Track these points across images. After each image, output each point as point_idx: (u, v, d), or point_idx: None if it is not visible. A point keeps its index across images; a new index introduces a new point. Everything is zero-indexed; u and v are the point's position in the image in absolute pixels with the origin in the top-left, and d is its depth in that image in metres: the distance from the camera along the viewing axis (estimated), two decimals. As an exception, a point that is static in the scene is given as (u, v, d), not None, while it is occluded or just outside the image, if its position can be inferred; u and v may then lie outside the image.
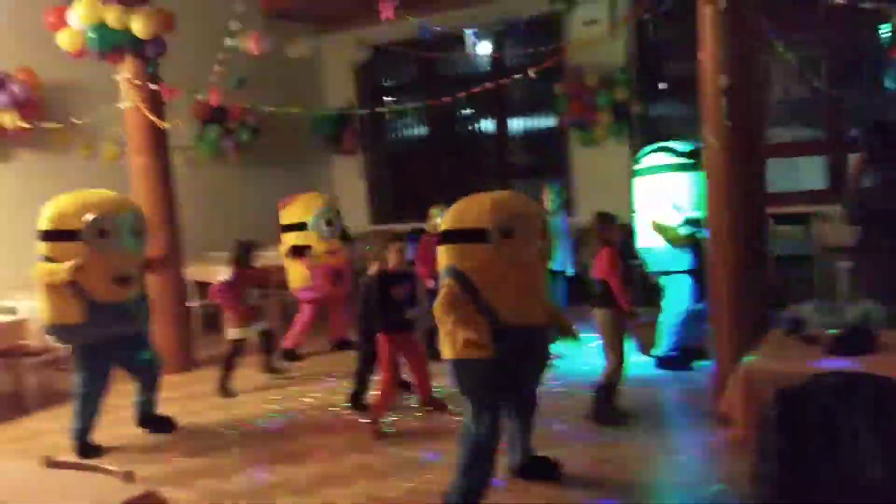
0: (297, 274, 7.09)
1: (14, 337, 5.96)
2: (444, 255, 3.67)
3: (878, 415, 2.52)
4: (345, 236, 7.26)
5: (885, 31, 7.61)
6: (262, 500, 4.15)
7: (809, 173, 8.91)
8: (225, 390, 6.12)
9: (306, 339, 7.23)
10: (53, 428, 5.57)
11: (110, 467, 2.59)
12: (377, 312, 5.02)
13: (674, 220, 5.73)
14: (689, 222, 5.69)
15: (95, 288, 4.75)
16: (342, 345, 7.25)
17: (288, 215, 7.17)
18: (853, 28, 7.81)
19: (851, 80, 8.17)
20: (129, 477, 2.54)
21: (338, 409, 5.60)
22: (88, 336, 4.84)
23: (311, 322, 7.13)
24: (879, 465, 2.44)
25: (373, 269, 5.24)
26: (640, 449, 4.46)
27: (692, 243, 5.67)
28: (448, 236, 3.67)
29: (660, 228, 5.78)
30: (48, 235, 4.81)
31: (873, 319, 3.81)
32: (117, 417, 5.52)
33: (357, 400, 5.55)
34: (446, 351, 3.66)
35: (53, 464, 2.75)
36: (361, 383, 5.54)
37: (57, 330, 4.92)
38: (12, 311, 6.64)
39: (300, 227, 7.01)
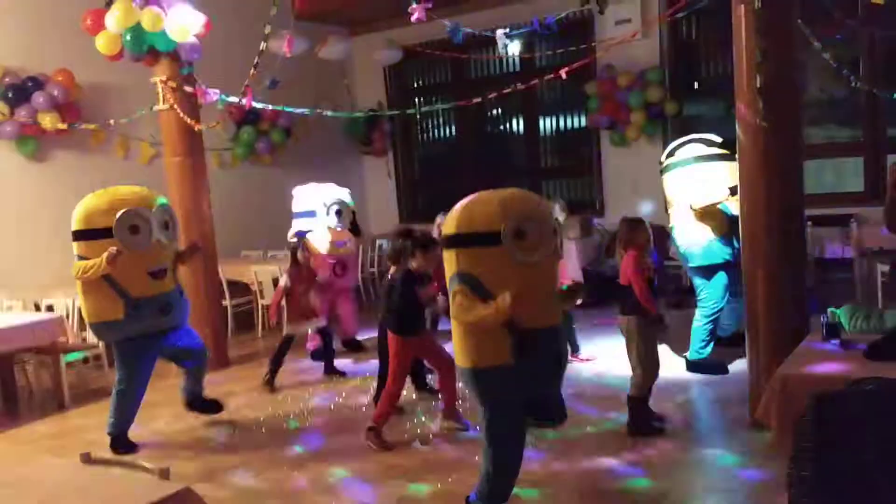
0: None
1: (53, 335, 6.07)
2: (453, 261, 3.52)
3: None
4: (354, 229, 7.27)
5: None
6: (294, 500, 4.19)
7: (848, 175, 8.77)
8: (270, 385, 6.20)
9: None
10: (90, 424, 5.67)
11: (147, 464, 2.63)
12: (401, 312, 4.84)
13: (720, 200, 5.55)
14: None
15: (132, 283, 4.83)
16: (351, 344, 7.26)
17: (299, 203, 7.23)
18: (892, 25, 7.66)
19: (891, 79, 8.02)
20: (164, 474, 2.58)
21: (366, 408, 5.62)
22: (130, 331, 4.91)
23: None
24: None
25: (394, 268, 5.10)
26: (675, 454, 4.42)
27: (733, 229, 5.46)
28: (457, 241, 3.53)
29: (704, 213, 5.60)
30: (81, 235, 4.89)
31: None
32: (153, 414, 5.62)
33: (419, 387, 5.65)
34: (463, 360, 3.55)
35: (91, 461, 2.79)
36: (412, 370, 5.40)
37: (99, 327, 5.02)
38: (50, 308, 6.79)
39: (309, 214, 7.10)
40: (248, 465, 4.70)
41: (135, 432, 5.18)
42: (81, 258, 4.86)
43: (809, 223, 5.98)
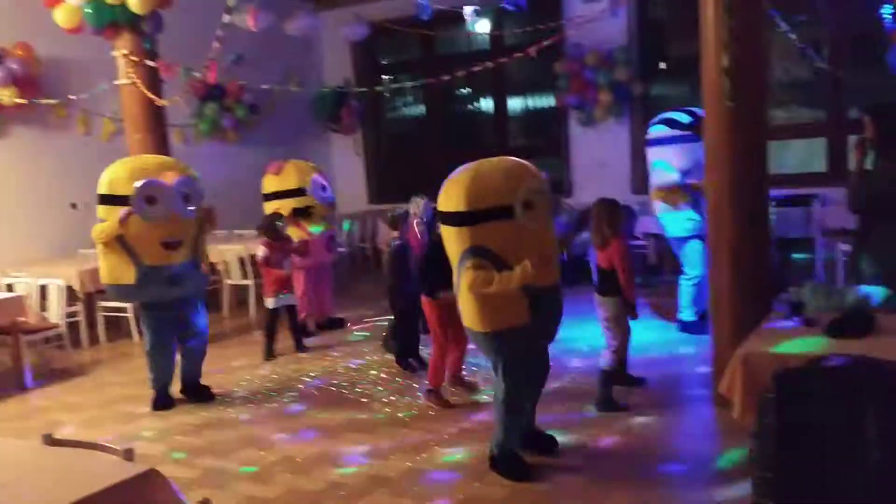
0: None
1: (12, 314, 5.94)
2: (463, 237, 3.70)
3: (877, 398, 2.52)
4: (332, 204, 7.26)
5: (888, 12, 7.56)
6: (263, 480, 4.18)
7: (811, 156, 8.90)
8: (269, 356, 6.40)
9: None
10: (52, 405, 5.59)
11: (111, 445, 2.59)
12: (432, 275, 4.90)
13: (670, 181, 5.96)
14: (686, 187, 5.87)
15: (145, 252, 5.03)
16: (331, 323, 7.25)
17: (284, 181, 7.00)
18: (856, 9, 7.76)
19: (854, 62, 8.13)
20: (128, 455, 2.54)
21: (338, 387, 5.61)
22: (141, 297, 5.21)
23: (306, 291, 7.00)
24: (878, 449, 2.45)
25: (394, 235, 5.57)
26: (644, 428, 4.48)
27: (693, 205, 5.84)
28: (468, 218, 3.67)
29: (659, 194, 6.02)
30: (103, 199, 5.09)
31: (872, 302, 3.81)
32: (126, 394, 5.54)
33: (406, 357, 5.79)
34: (482, 325, 3.77)
35: (53, 442, 2.75)
36: (407, 341, 5.80)
37: (111, 289, 5.33)
38: (10, 287, 6.65)
39: (299, 192, 6.92)
40: (218, 446, 4.67)
41: (105, 413, 5.10)
42: (102, 221, 5.06)
43: (773, 203, 6.10)
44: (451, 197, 3.74)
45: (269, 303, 6.39)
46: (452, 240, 3.79)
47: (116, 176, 5.06)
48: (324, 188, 7.07)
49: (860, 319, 3.51)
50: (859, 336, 3.38)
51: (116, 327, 7.44)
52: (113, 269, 5.11)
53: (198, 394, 5.50)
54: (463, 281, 3.75)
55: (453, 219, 3.75)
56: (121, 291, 5.28)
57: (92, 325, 7.30)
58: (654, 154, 6.20)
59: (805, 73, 8.67)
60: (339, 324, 7.30)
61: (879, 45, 7.27)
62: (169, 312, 5.23)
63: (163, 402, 5.34)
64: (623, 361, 5.02)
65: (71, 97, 7.34)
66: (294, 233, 6.71)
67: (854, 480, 2.45)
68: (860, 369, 2.70)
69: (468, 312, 3.85)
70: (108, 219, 5.00)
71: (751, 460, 2.77)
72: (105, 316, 7.34)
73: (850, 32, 8.26)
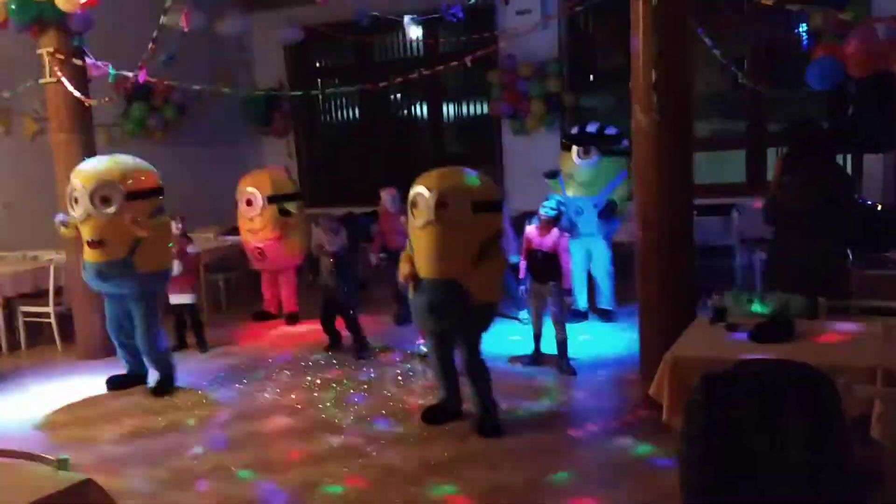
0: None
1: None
2: (493, 222, 4.57)
3: (798, 400, 2.67)
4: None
5: (805, 30, 7.96)
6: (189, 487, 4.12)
7: (731, 167, 9.26)
8: (200, 348, 6.68)
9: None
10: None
11: (45, 455, 2.53)
12: None
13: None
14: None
15: (83, 248, 5.48)
16: (292, 318, 7.48)
17: (283, 185, 7.48)
18: (776, 26, 8.13)
19: (773, 76, 8.51)
20: (63, 465, 2.49)
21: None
22: (87, 284, 5.66)
23: (265, 289, 7.66)
24: (799, 449, 2.59)
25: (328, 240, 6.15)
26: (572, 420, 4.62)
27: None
28: (493, 206, 4.58)
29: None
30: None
31: (791, 309, 4.02)
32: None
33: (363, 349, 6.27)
34: (495, 295, 4.60)
35: (-19, 453, 2.66)
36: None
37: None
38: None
39: (297, 196, 7.58)
40: (148, 454, 4.58)
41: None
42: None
43: (695, 212, 6.38)
44: (479, 187, 4.55)
45: (189, 298, 6.54)
46: (476, 227, 4.53)
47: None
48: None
49: (781, 325, 3.70)
50: (780, 341, 3.57)
51: (38, 333, 7.20)
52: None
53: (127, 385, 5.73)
54: None
55: (486, 207, 4.57)
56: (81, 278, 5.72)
57: (11, 330, 7.04)
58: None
59: (726, 86, 9.02)
60: (297, 319, 7.50)
61: (797, 61, 7.64)
62: (111, 303, 5.59)
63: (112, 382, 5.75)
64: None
65: (-9, 94, 7.06)
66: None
67: (778, 480, 2.58)
68: (781, 372, 2.85)
69: (484, 282, 4.53)
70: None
71: (679, 461, 2.88)
72: (26, 322, 7.09)
73: (770, 48, 8.66)
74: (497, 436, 4.53)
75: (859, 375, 3.14)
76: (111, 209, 5.30)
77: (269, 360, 6.34)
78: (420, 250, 4.48)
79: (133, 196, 5.36)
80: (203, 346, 6.70)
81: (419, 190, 4.43)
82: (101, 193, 5.28)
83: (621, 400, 5.09)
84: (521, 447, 4.40)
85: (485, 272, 4.43)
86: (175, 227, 6.19)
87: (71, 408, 5.47)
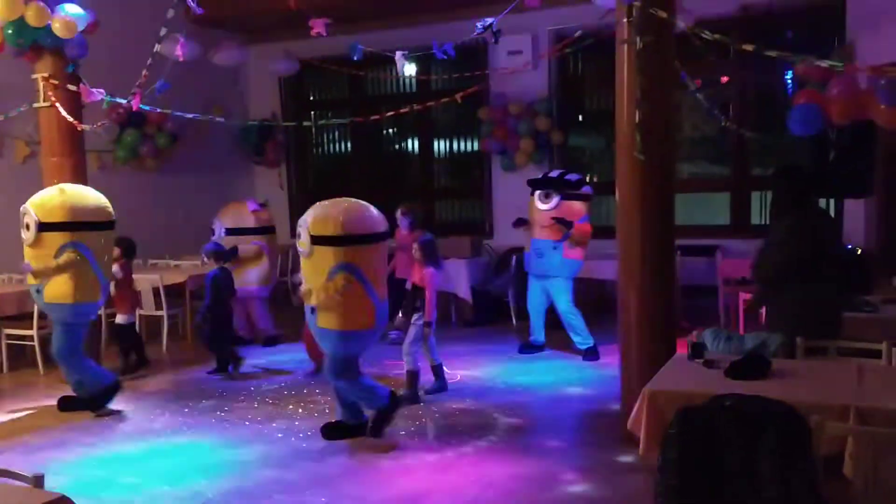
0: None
1: None
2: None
3: (772, 435, 2.71)
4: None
5: (789, 77, 8.15)
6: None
7: (715, 209, 9.39)
8: (138, 365, 6.91)
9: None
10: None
11: (20, 472, 2.53)
12: None
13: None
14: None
15: None
16: (271, 340, 7.84)
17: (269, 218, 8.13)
18: (761, 73, 8.32)
19: (758, 121, 8.68)
20: (38, 482, 2.49)
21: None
22: None
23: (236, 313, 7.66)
24: (772, 483, 2.63)
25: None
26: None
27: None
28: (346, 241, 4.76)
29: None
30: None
31: (769, 348, 4.08)
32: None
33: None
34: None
35: (-44, 469, 2.66)
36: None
37: None
38: None
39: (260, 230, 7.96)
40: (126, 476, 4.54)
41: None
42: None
43: (679, 252, 6.46)
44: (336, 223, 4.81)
45: (122, 319, 6.83)
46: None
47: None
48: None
49: (757, 363, 3.75)
50: (756, 378, 3.62)
51: (21, 355, 7.16)
52: None
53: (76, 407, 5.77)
54: None
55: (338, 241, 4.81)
56: None
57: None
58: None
59: (712, 130, 9.20)
60: (278, 340, 7.85)
61: (782, 108, 7.81)
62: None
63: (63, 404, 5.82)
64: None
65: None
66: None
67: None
68: (756, 408, 2.90)
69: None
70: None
71: (654, 491, 2.91)
72: (8, 344, 7.06)
73: (755, 93, 8.85)
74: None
75: (833, 413, 3.18)
76: (29, 236, 5.59)
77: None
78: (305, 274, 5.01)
79: (44, 227, 5.54)
80: (136, 365, 6.92)
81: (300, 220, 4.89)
82: (25, 220, 5.61)
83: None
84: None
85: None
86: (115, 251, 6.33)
87: (49, 429, 5.43)
